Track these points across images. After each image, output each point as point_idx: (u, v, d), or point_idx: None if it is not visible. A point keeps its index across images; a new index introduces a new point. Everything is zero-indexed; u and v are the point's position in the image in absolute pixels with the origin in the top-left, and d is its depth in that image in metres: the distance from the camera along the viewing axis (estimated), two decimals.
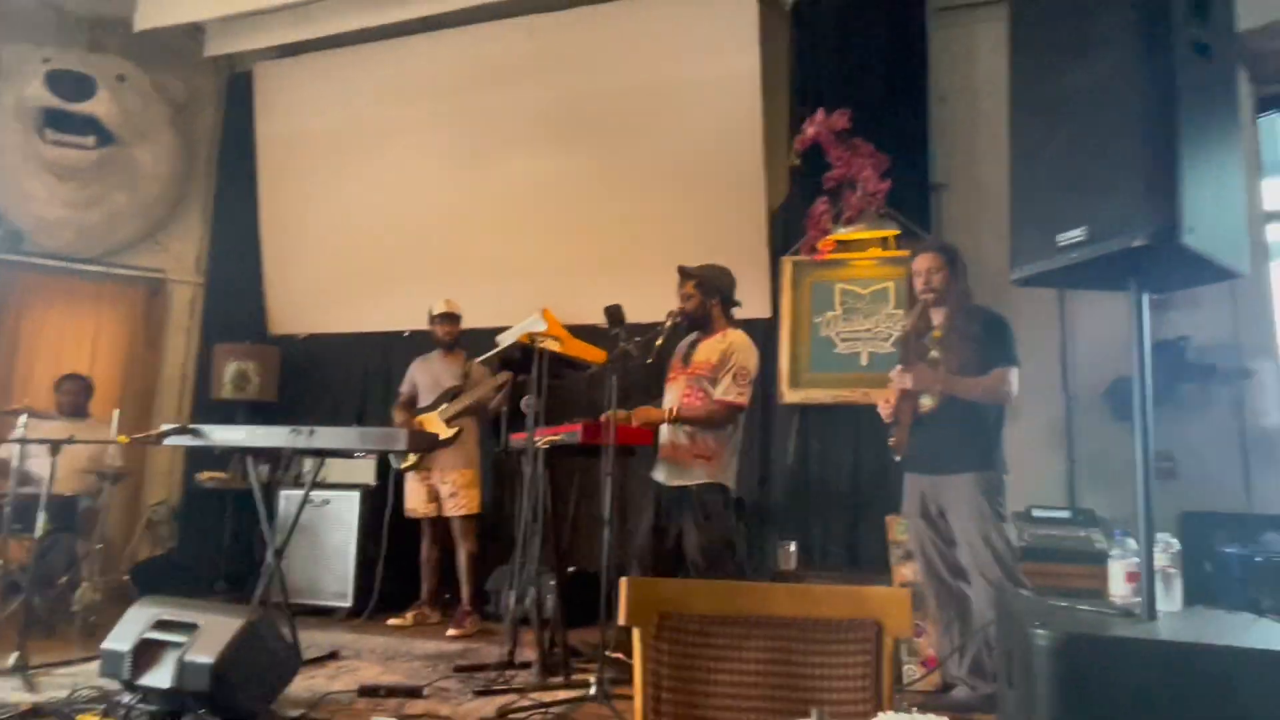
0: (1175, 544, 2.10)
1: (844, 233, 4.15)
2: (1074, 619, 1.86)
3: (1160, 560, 2.00)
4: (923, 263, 3.05)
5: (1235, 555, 3.41)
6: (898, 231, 4.12)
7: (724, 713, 1.25)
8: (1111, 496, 3.80)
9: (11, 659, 3.08)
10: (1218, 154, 1.82)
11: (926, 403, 2.96)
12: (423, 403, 4.51)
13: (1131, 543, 2.14)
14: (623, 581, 1.28)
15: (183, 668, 2.50)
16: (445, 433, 4.34)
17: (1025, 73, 2.11)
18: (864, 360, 4.13)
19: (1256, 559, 3.35)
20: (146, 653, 2.61)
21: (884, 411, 3.05)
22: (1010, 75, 2.15)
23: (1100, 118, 1.88)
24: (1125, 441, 2.99)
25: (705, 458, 3.32)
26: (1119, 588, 2.10)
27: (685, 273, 3.47)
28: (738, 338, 3.42)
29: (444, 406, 4.41)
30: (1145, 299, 1.97)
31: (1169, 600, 2.00)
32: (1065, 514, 3.69)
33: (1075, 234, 1.89)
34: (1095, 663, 1.62)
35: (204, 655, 2.49)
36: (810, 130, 4.13)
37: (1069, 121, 1.95)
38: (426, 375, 4.57)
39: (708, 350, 3.41)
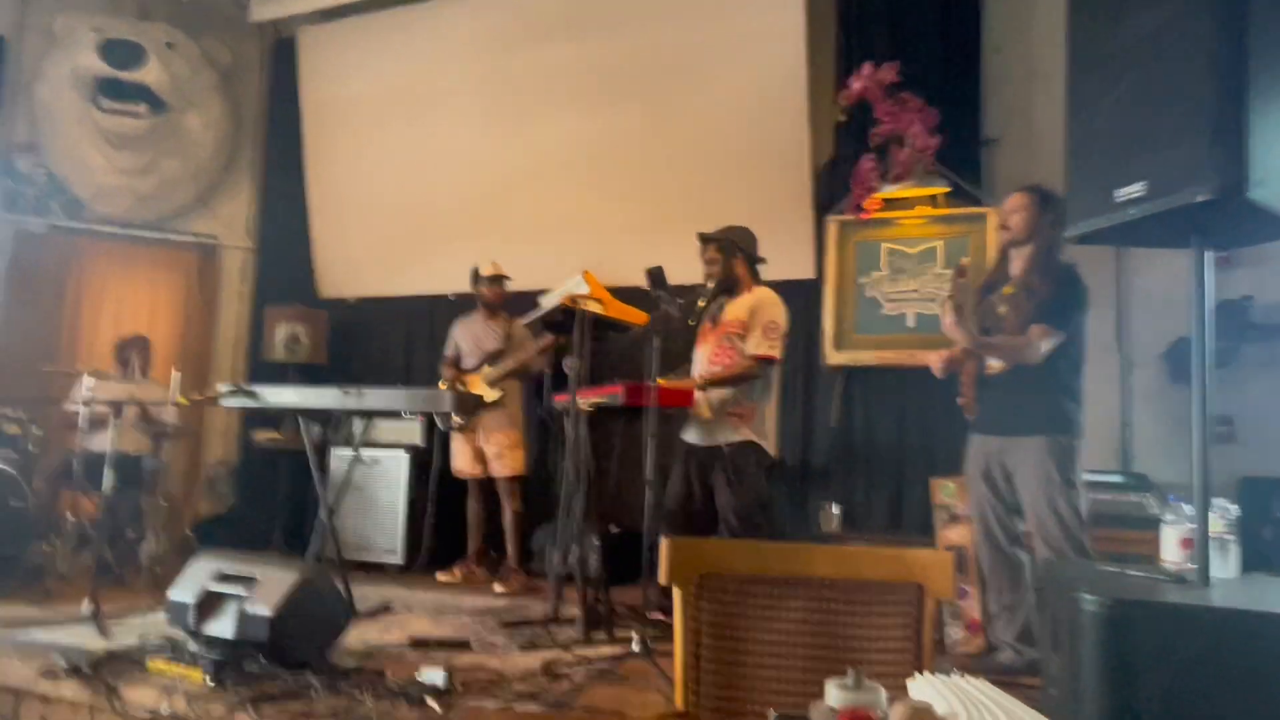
0: (1233, 509, 2.04)
1: (891, 191, 4.06)
2: (1123, 584, 1.83)
3: (1216, 526, 1.95)
4: (1009, 203, 2.93)
5: None
6: (947, 189, 4.01)
7: (764, 671, 1.27)
8: (1168, 461, 3.70)
9: (86, 608, 3.25)
10: None
11: (994, 364, 2.88)
12: (465, 364, 4.58)
13: (1186, 508, 2.08)
14: (664, 541, 1.29)
15: (243, 618, 2.60)
16: (489, 395, 4.40)
17: (1084, 20, 2.02)
18: (910, 321, 4.06)
19: None
20: (209, 604, 2.73)
21: (936, 368, 2.98)
22: (1068, 23, 2.05)
23: (1163, 66, 1.79)
24: (1183, 404, 2.91)
25: (739, 415, 3.32)
26: (1172, 554, 2.05)
27: (704, 238, 3.47)
28: (765, 293, 3.42)
29: (487, 369, 4.47)
30: (1208, 257, 1.90)
31: (1225, 567, 1.95)
32: (1117, 478, 3.61)
33: (1134, 189, 1.82)
34: (1145, 630, 1.59)
35: (262, 607, 2.59)
36: (857, 85, 4.02)
37: (1130, 71, 1.87)
38: (468, 337, 4.62)
39: (736, 308, 3.41)
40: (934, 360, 2.98)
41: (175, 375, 4.23)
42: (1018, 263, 2.92)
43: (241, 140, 5.85)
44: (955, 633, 3.26)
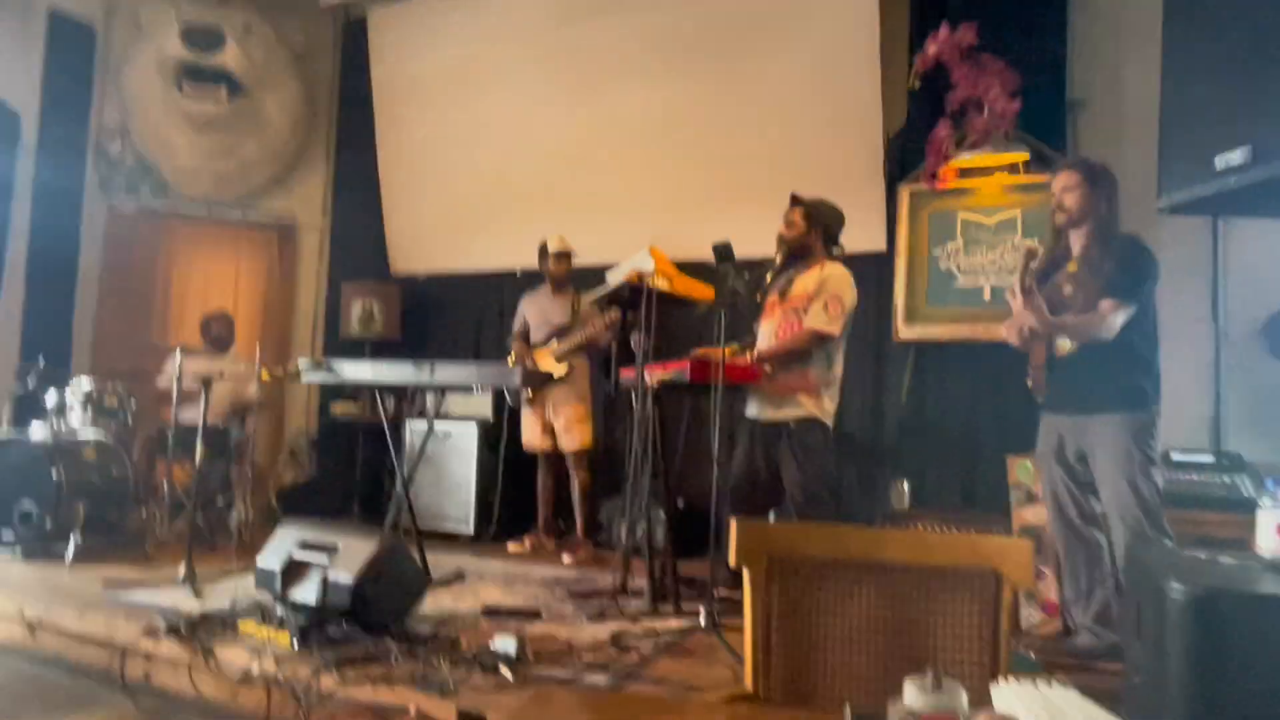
0: None
1: (967, 159, 3.90)
2: (1214, 572, 1.75)
3: None
4: (1058, 181, 2.84)
5: None
6: (1027, 155, 3.84)
7: (834, 657, 1.26)
8: (1265, 440, 3.50)
9: (182, 571, 3.44)
10: None
11: (1064, 345, 2.78)
12: (534, 339, 4.63)
13: None
14: (733, 523, 1.29)
15: (326, 585, 2.72)
16: (557, 370, 4.45)
17: None
18: (986, 295, 3.92)
19: None
20: (294, 571, 2.86)
21: (1013, 339, 2.89)
22: None
23: (1266, 24, 1.67)
24: None
25: (804, 391, 3.28)
26: (1268, 541, 1.95)
27: (796, 199, 3.40)
28: (835, 268, 3.35)
29: (554, 343, 4.52)
30: None
31: None
32: (1208, 458, 3.44)
33: (1235, 156, 1.71)
34: (1236, 620, 1.52)
35: (344, 575, 2.70)
36: (933, 49, 3.86)
37: (1232, 27, 1.75)
38: (535, 311, 4.67)
39: (804, 282, 3.35)
40: (1008, 332, 2.89)
41: (257, 350, 4.41)
42: (1077, 241, 2.82)
43: (316, 121, 6.00)
44: (1032, 615, 3.18)
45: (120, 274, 5.48)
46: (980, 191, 3.96)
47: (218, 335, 4.95)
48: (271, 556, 2.94)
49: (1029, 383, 2.89)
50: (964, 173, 3.96)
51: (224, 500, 4.64)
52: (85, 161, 5.38)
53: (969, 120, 3.88)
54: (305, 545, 2.90)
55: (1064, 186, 2.82)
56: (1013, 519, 3.32)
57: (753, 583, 1.27)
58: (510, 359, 4.63)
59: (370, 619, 2.70)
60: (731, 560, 1.28)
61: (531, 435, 4.63)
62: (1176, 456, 3.45)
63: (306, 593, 2.78)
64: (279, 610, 2.84)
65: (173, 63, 5.30)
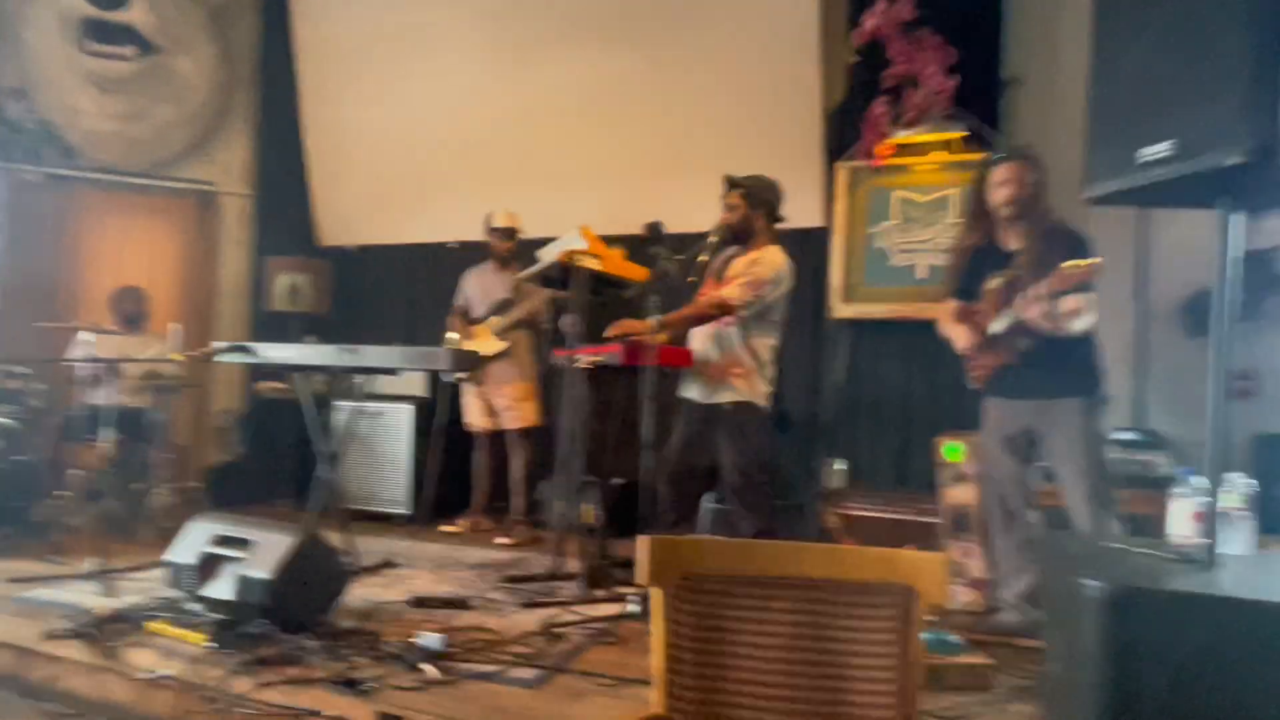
0: (1252, 484, 1.97)
1: (904, 136, 3.88)
2: (1128, 566, 1.77)
3: (1232, 500, 1.88)
4: (1001, 173, 2.80)
5: None
6: (964, 134, 3.83)
7: (747, 674, 1.22)
8: (1185, 418, 3.60)
9: (91, 564, 3.28)
10: None
11: (1024, 343, 2.74)
12: (475, 314, 4.51)
13: (1199, 480, 2.01)
14: (641, 541, 1.24)
15: (242, 581, 2.61)
16: (496, 346, 4.35)
17: None
18: (920, 273, 3.93)
19: None
20: (209, 566, 2.74)
21: (960, 344, 2.89)
22: None
23: (1195, 16, 1.64)
24: (1201, 359, 2.81)
25: (739, 375, 3.26)
26: (1182, 528, 1.99)
27: (732, 182, 3.32)
28: (770, 253, 3.29)
29: (494, 319, 4.40)
30: (1234, 218, 1.78)
31: (1239, 544, 1.88)
32: (1130, 435, 3.53)
33: (1161, 149, 1.70)
34: (1148, 616, 1.54)
35: (261, 570, 2.60)
36: (870, 22, 3.81)
37: (1159, 20, 1.72)
38: (478, 287, 4.54)
39: (740, 264, 3.30)
40: (954, 334, 2.87)
41: (172, 329, 4.20)
42: (1012, 233, 2.79)
43: (236, 83, 5.68)
44: (957, 593, 3.23)
45: (23, 246, 5.14)
46: (916, 169, 3.95)
47: (129, 312, 4.69)
48: (184, 551, 2.82)
49: (971, 375, 2.88)
50: (901, 150, 3.94)
51: (142, 485, 4.44)
52: None
53: (906, 97, 3.85)
54: (220, 539, 2.78)
55: (1006, 179, 2.77)
56: (942, 498, 3.35)
57: (664, 602, 1.22)
58: (449, 334, 4.51)
59: (289, 616, 2.60)
60: (640, 578, 1.23)
61: (474, 415, 4.52)
62: None
63: (221, 590, 2.67)
64: (192, 608, 2.73)
65: (75, 19, 4.94)
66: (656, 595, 1.22)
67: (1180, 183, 1.70)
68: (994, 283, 2.81)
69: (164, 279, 5.44)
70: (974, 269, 2.87)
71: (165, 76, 5.19)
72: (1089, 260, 2.46)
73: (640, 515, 3.04)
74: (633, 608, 2.90)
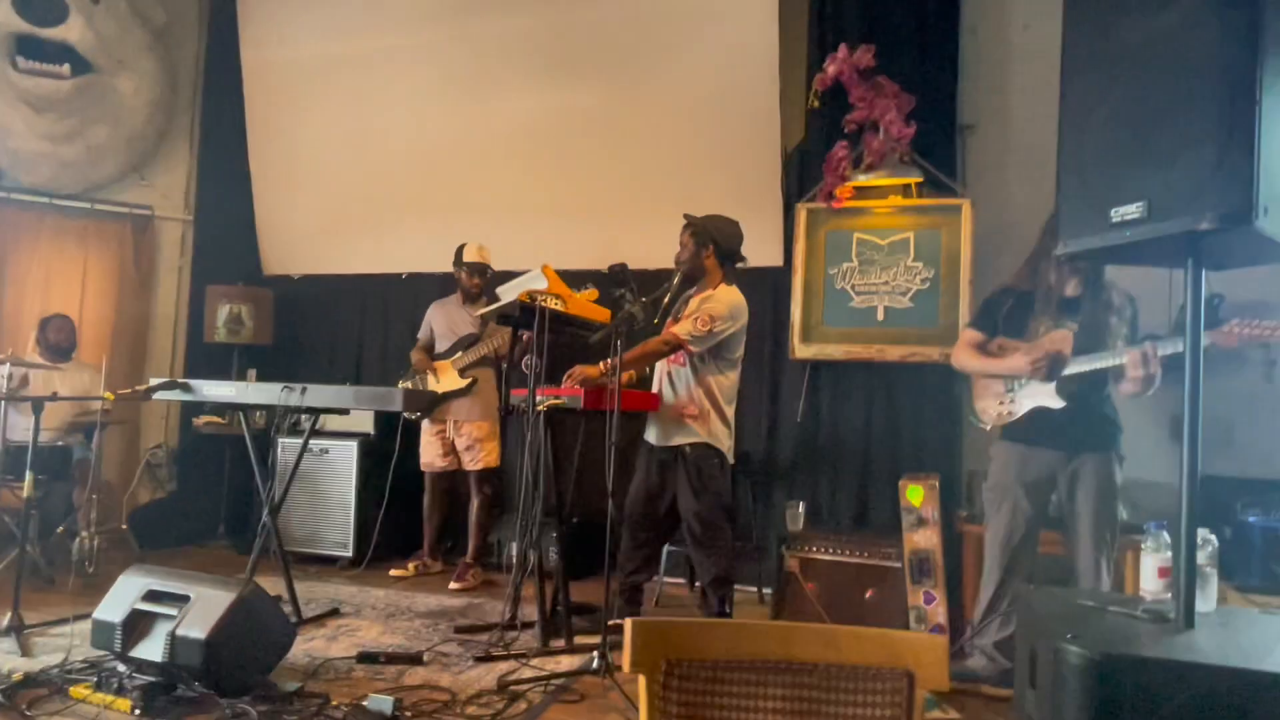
0: (1212, 540, 1.98)
1: (864, 179, 3.92)
2: (1106, 629, 1.75)
3: (1200, 558, 1.88)
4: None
5: (1257, 524, 3.30)
6: (921, 178, 3.89)
7: None
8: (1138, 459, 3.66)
9: (5, 619, 3.03)
10: None
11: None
12: (439, 349, 4.37)
13: (1165, 536, 2.02)
14: (627, 623, 1.16)
15: (175, 641, 2.44)
16: (458, 383, 4.22)
17: (1080, 22, 1.87)
18: (880, 315, 3.95)
19: (1279, 529, 3.24)
20: (138, 625, 2.55)
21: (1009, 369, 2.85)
22: (1064, 25, 1.91)
23: (1165, 77, 1.66)
24: (1144, 404, 2.85)
25: (694, 416, 3.22)
26: (1151, 584, 1.99)
27: (686, 220, 3.32)
28: (723, 290, 3.28)
29: (459, 355, 4.28)
30: (1202, 277, 1.80)
31: (1204, 599, 1.89)
32: None
33: (1132, 210, 1.70)
34: (1130, 683, 1.52)
35: (196, 630, 2.43)
36: (832, 68, 3.85)
37: (1128, 81, 1.74)
38: (442, 321, 4.41)
39: (695, 301, 3.28)
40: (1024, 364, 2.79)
41: (103, 362, 3.97)
42: (1064, 281, 2.80)
43: (178, 106, 5.48)
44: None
45: None
46: (875, 212, 3.99)
47: (55, 342, 4.44)
48: (111, 608, 2.62)
49: (1031, 364, 2.77)
50: (860, 193, 3.97)
51: (65, 528, 4.16)
52: None
53: (866, 141, 3.89)
54: (152, 595, 2.59)
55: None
56: (905, 542, 3.34)
57: (649, 690, 1.14)
58: (411, 368, 4.36)
59: (226, 679, 2.43)
60: (625, 665, 1.15)
61: (431, 455, 4.34)
62: None
63: (151, 649, 2.48)
64: (119, 670, 2.53)
65: (7, 34, 4.70)
66: (642, 684, 1.14)
67: (1151, 243, 1.71)
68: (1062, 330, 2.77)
69: (96, 307, 5.17)
70: (1008, 307, 2.88)
71: (101, 96, 4.97)
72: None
73: (599, 555, 2.94)
74: (594, 664, 2.79)
